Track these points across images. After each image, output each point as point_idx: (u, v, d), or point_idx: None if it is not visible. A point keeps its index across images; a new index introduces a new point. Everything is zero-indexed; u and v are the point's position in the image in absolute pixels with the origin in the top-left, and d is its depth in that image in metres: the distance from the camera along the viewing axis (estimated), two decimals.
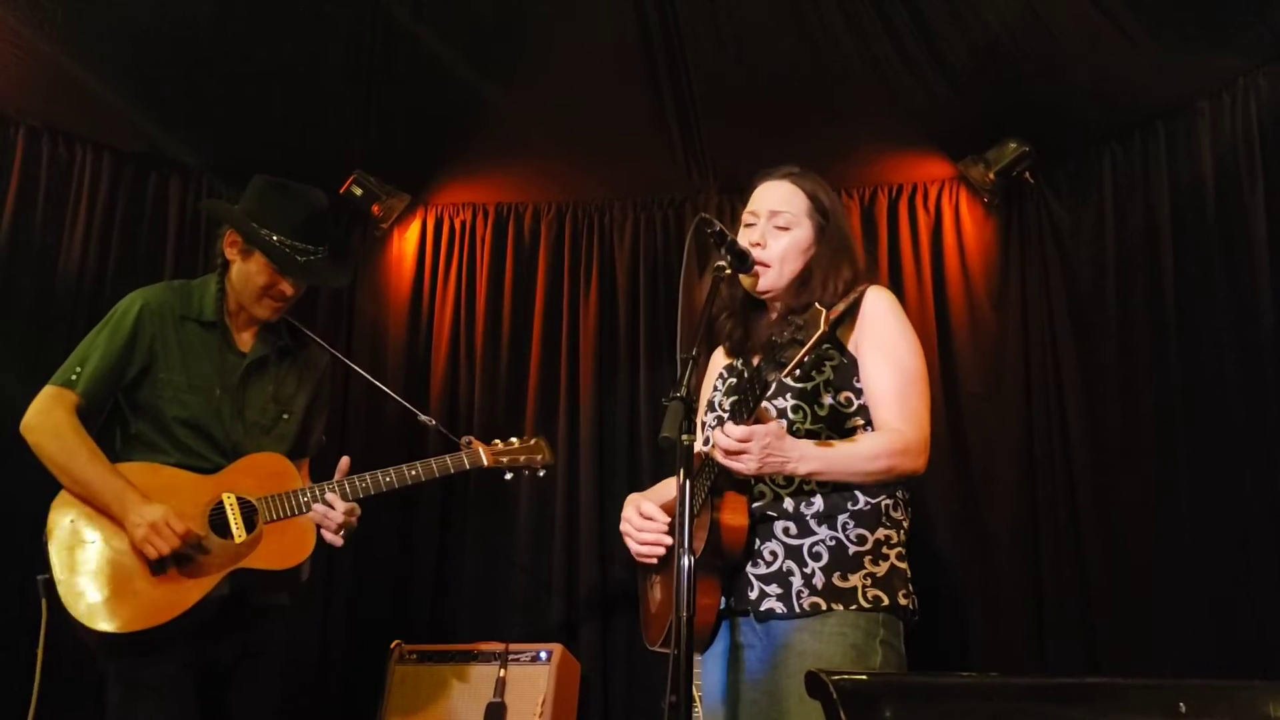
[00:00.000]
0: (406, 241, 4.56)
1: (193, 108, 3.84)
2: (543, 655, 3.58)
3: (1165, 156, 3.64)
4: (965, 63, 3.55)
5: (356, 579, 4.15)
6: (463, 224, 4.56)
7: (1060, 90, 3.65)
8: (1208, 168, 3.49)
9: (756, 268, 2.37)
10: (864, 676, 1.68)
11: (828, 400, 2.29)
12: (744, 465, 2.10)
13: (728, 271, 2.24)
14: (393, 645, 3.72)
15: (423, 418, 3.24)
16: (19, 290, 3.69)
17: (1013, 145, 3.90)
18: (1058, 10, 3.27)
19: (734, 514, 2.21)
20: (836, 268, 2.38)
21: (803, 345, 1.97)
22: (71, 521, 2.60)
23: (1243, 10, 3.17)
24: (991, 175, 3.98)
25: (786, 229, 2.39)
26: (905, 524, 2.33)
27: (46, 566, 2.55)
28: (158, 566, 2.55)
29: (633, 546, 2.40)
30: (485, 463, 3.00)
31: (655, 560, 2.37)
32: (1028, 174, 3.97)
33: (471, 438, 3.06)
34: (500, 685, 3.50)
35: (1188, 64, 3.43)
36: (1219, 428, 3.36)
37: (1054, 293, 3.91)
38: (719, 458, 2.12)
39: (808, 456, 2.16)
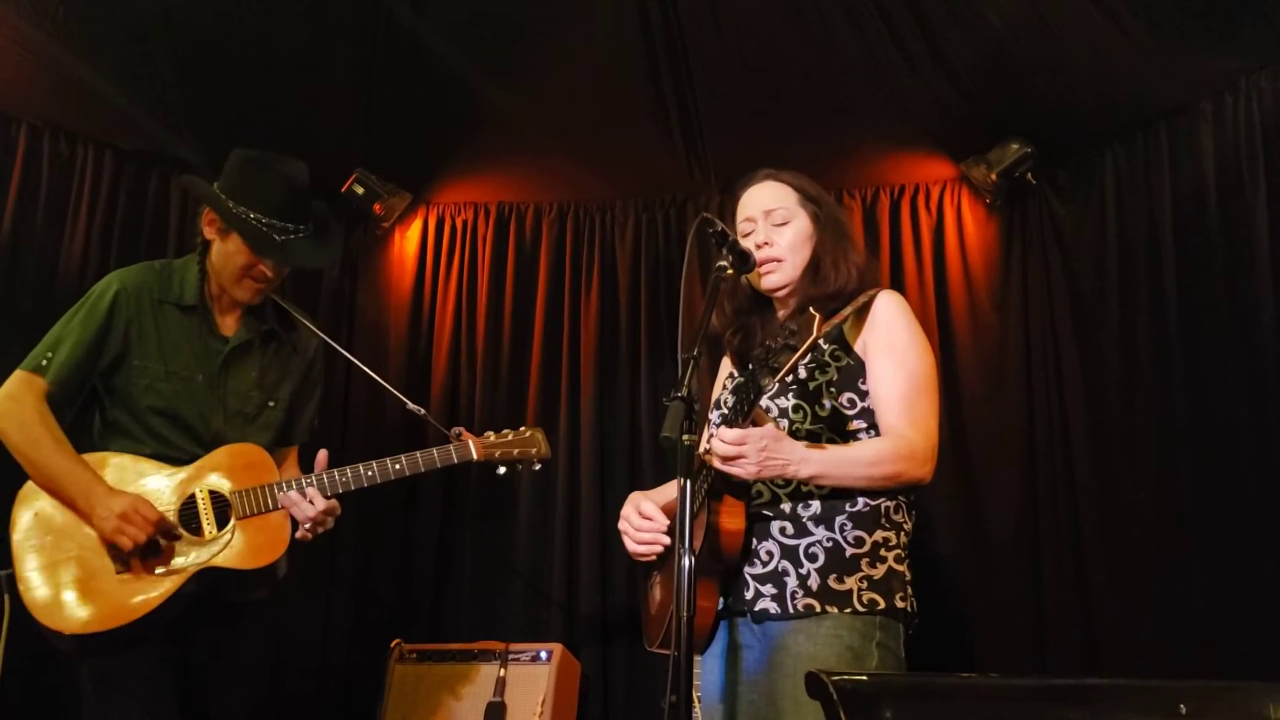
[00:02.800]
0: (408, 241, 4.56)
1: (194, 106, 3.83)
2: (543, 655, 3.57)
3: (1167, 157, 3.63)
4: (967, 63, 3.55)
5: (356, 578, 4.15)
6: (464, 223, 4.56)
7: (1062, 91, 3.64)
8: (1210, 168, 3.48)
9: (769, 265, 2.38)
10: (864, 677, 1.68)
11: (828, 402, 2.28)
12: (742, 470, 2.08)
13: (729, 272, 2.23)
14: (393, 644, 3.72)
15: (411, 406, 3.01)
16: (20, 288, 3.69)
17: (1015, 146, 3.90)
18: (1060, 11, 3.26)
19: (731, 518, 2.21)
20: (844, 250, 2.40)
21: (795, 350, 1.97)
22: (35, 515, 2.51)
23: (1245, 11, 3.17)
24: (993, 176, 3.98)
25: (786, 223, 2.41)
26: (906, 526, 2.31)
27: (8, 561, 2.48)
28: (124, 564, 2.48)
29: (629, 545, 2.41)
30: (475, 456, 2.80)
31: (653, 559, 2.37)
32: (1030, 175, 3.97)
33: (462, 429, 2.88)
34: (500, 685, 3.50)
35: (1190, 64, 3.43)
36: (1220, 428, 3.36)
37: (1056, 293, 3.91)
38: (717, 464, 2.11)
39: (809, 460, 2.14)
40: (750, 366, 2.14)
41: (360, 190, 4.25)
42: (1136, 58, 3.38)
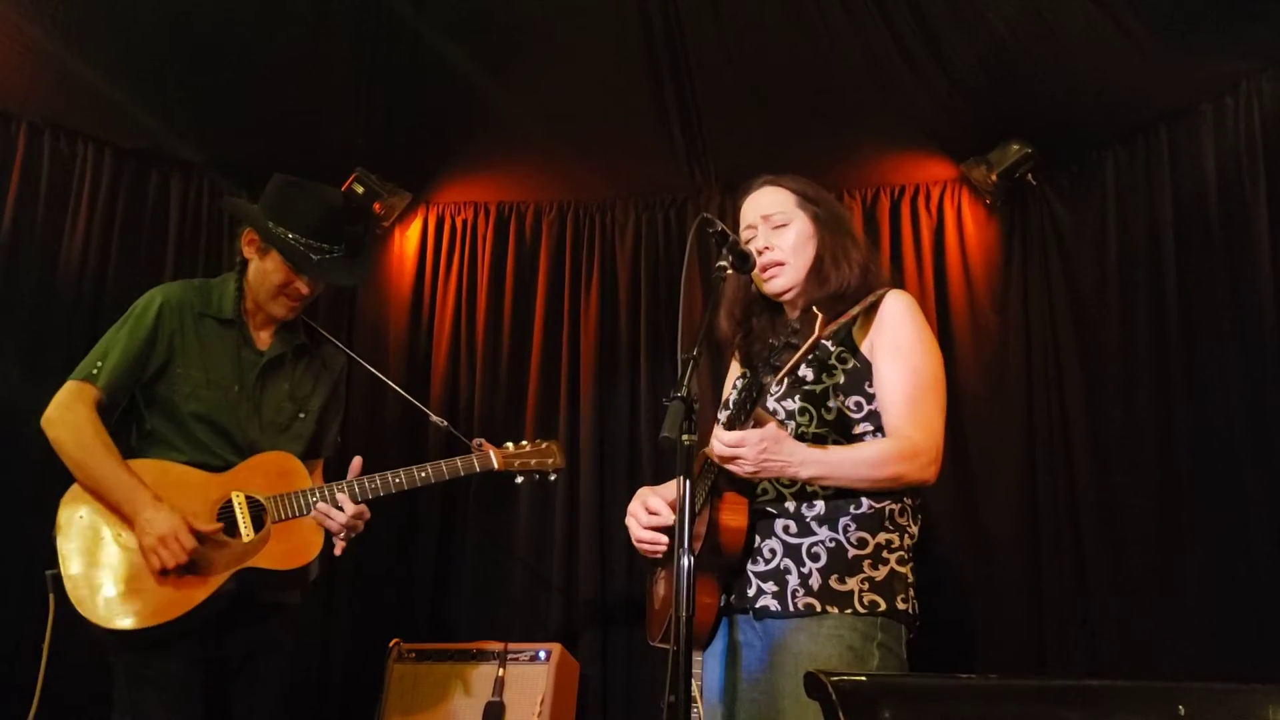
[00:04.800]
0: (408, 240, 4.56)
1: (194, 105, 3.83)
2: (541, 655, 3.57)
3: (1168, 159, 3.63)
4: (968, 64, 3.54)
5: (356, 578, 4.15)
6: (464, 223, 4.56)
7: (1063, 92, 3.64)
8: (1210, 170, 3.48)
9: (773, 269, 2.38)
10: (863, 677, 1.68)
11: (834, 405, 2.28)
12: (739, 469, 2.11)
13: (729, 272, 2.24)
14: (391, 644, 3.72)
15: (435, 418, 3.22)
16: (19, 287, 3.69)
17: (1015, 147, 3.89)
18: (1061, 12, 3.26)
19: (733, 515, 2.21)
20: (844, 249, 2.40)
21: (797, 349, 1.97)
22: (81, 517, 2.61)
23: (1246, 13, 3.16)
24: (994, 177, 3.98)
25: (786, 225, 2.41)
26: (911, 529, 2.32)
27: (54, 561, 2.56)
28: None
29: (635, 542, 2.41)
30: (496, 466, 2.96)
31: (658, 555, 2.37)
32: (1030, 176, 3.97)
33: (482, 440, 3.01)
34: (499, 684, 3.50)
35: (1191, 66, 3.42)
36: (1220, 429, 3.36)
37: (1056, 294, 3.91)
38: (717, 461, 2.13)
39: (809, 461, 2.14)
40: (755, 366, 2.14)
41: (360, 189, 4.24)
42: (1137, 59, 3.37)
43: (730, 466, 2.11)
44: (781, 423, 2.24)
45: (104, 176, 3.93)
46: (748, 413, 2.10)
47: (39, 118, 3.81)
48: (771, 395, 2.28)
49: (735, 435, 2.07)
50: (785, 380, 2.19)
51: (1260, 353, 3.27)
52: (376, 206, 4.37)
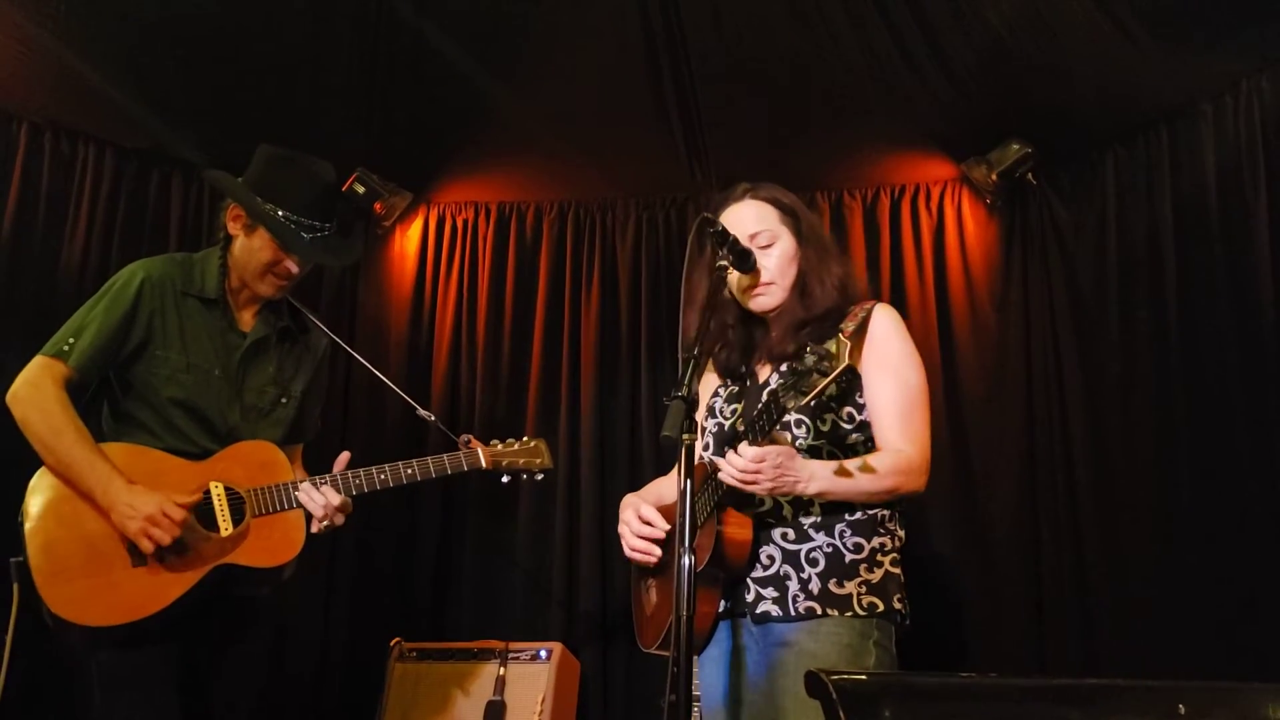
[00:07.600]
0: (409, 240, 4.56)
1: (195, 104, 3.83)
2: (542, 654, 3.58)
3: (1168, 159, 3.63)
4: (968, 63, 3.55)
5: (357, 577, 4.15)
6: (465, 222, 4.56)
7: (1063, 92, 3.64)
8: (1210, 170, 3.49)
9: (760, 288, 2.39)
10: (863, 676, 1.68)
11: (830, 417, 2.32)
12: (758, 488, 2.13)
13: (730, 271, 2.25)
14: (393, 643, 3.72)
15: (421, 412, 3.09)
16: (20, 287, 3.68)
17: (1015, 146, 3.90)
18: (1061, 11, 3.26)
19: (738, 527, 2.24)
20: (826, 265, 2.43)
21: (825, 376, 1.97)
22: (50, 504, 2.46)
23: (1246, 13, 3.17)
24: (994, 176, 3.98)
25: (771, 244, 2.42)
26: (900, 533, 2.37)
27: (20, 549, 2.43)
28: (138, 557, 2.44)
29: (627, 550, 2.41)
30: (484, 464, 2.86)
31: (653, 562, 2.38)
32: (1030, 175, 3.97)
33: (470, 437, 2.92)
34: (500, 683, 3.51)
35: (1191, 66, 3.43)
36: (1220, 429, 3.36)
37: (1056, 294, 3.91)
38: (731, 481, 2.12)
39: (816, 477, 2.18)
40: (759, 378, 2.14)
41: (361, 189, 4.25)
42: (1137, 58, 3.38)
43: (747, 485, 2.11)
44: (778, 434, 2.26)
45: (104, 176, 3.93)
46: (765, 432, 2.11)
47: (40, 118, 3.81)
48: (789, 414, 2.27)
49: (756, 452, 2.08)
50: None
51: (1260, 352, 3.27)
52: (377, 206, 4.38)
